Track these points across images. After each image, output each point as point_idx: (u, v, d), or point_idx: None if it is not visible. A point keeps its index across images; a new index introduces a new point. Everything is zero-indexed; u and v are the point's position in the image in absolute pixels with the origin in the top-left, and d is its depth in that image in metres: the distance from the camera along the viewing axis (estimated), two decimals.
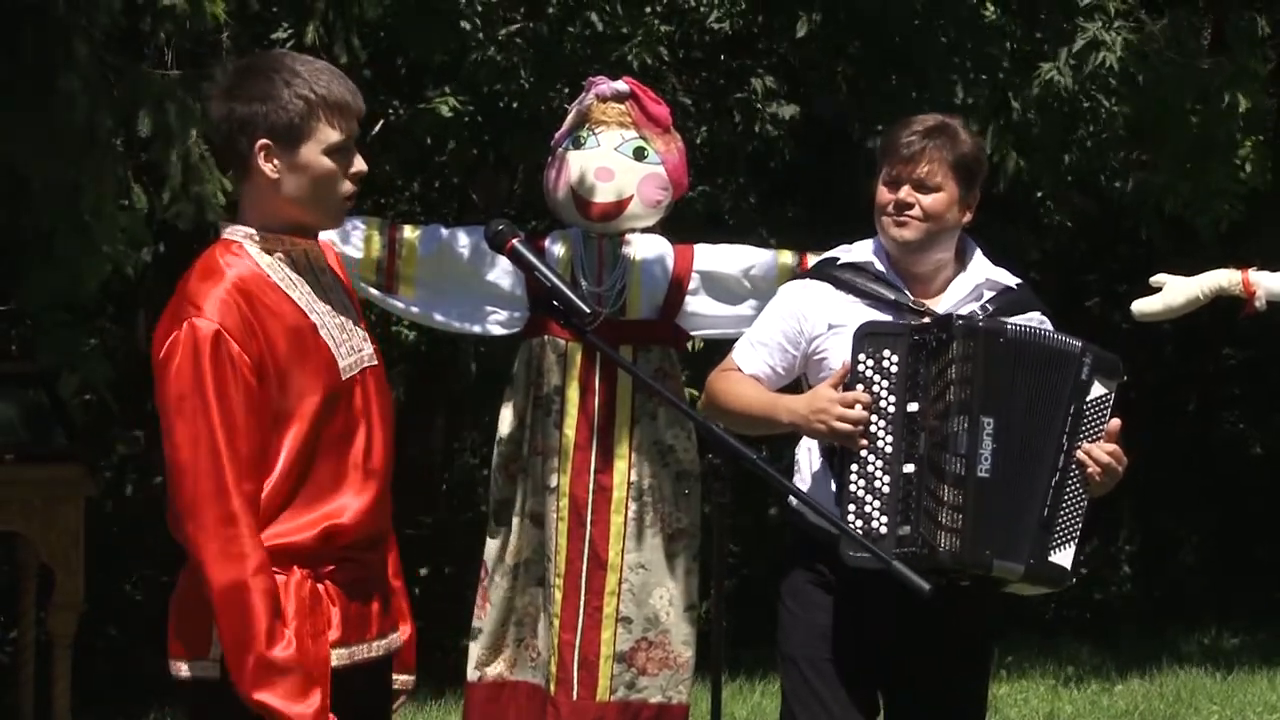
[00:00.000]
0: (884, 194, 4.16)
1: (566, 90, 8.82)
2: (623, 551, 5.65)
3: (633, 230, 5.75)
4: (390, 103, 9.80)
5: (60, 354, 6.57)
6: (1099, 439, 3.97)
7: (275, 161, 3.23)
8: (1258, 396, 14.17)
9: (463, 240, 5.78)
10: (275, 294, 3.23)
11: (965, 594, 3.98)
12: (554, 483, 5.64)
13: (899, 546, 3.85)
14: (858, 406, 3.94)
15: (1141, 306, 4.85)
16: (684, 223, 8.46)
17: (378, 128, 9.50)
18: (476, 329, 5.82)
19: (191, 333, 3.14)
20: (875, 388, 3.96)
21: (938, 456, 3.91)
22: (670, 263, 5.73)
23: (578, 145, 5.75)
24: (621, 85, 5.81)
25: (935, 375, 3.93)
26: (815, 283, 4.25)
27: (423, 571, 10.88)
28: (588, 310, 3.51)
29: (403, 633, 3.48)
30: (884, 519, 3.92)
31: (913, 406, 3.94)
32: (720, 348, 4.83)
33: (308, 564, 3.20)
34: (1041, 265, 11.81)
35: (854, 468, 3.96)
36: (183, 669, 3.24)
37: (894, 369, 3.96)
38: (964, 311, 4.13)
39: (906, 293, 4.16)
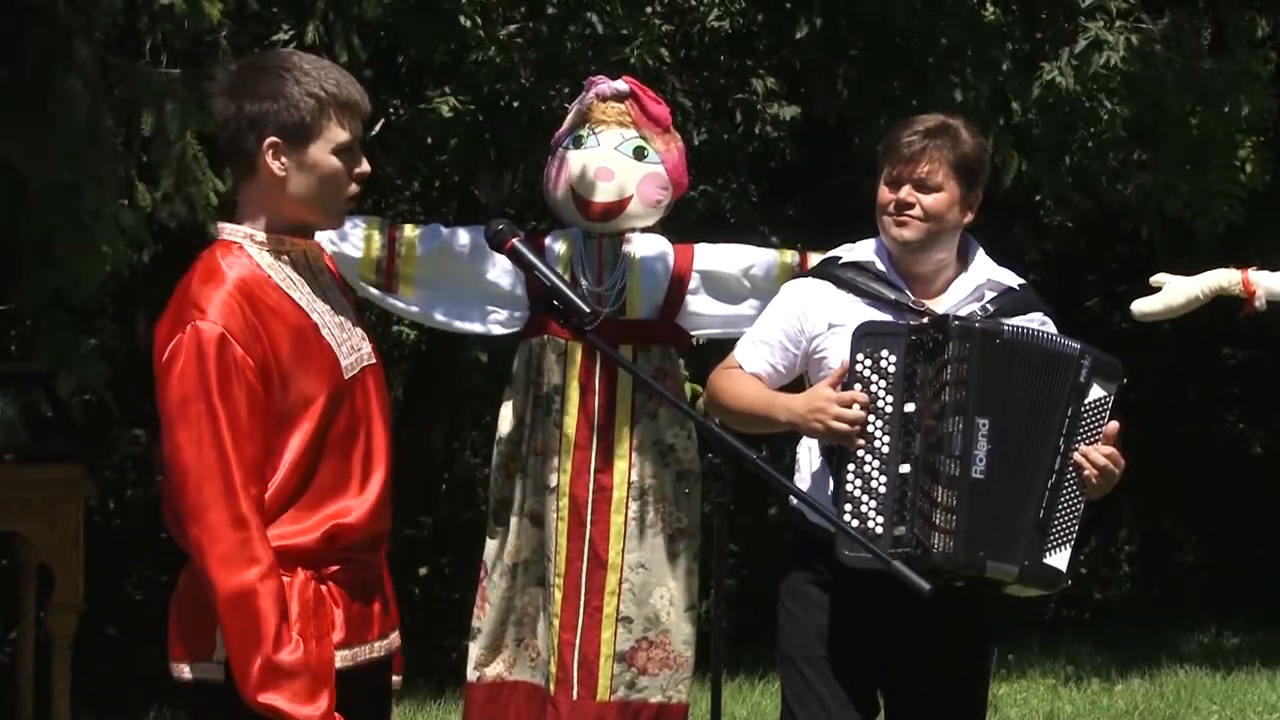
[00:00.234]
0: (885, 194, 4.17)
1: (566, 90, 8.81)
2: (623, 551, 5.65)
3: (633, 230, 5.75)
4: (390, 103, 9.80)
5: (57, 355, 6.56)
6: (1097, 441, 3.97)
7: (283, 160, 3.22)
8: (1258, 396, 14.18)
9: (462, 240, 5.78)
10: (277, 295, 3.22)
11: (964, 594, 3.98)
12: (554, 482, 5.64)
13: (894, 547, 3.85)
14: (855, 406, 3.94)
15: (1141, 306, 4.85)
16: (684, 222, 8.46)
17: (378, 127, 9.50)
18: (476, 328, 5.82)
19: (195, 336, 3.13)
20: (873, 387, 3.97)
21: (933, 457, 3.91)
22: (670, 262, 5.73)
23: (578, 145, 5.75)
24: (621, 85, 5.81)
25: (932, 376, 3.93)
26: (817, 282, 4.25)
27: (422, 571, 10.89)
28: (587, 310, 3.51)
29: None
30: (880, 519, 3.92)
31: (910, 407, 3.94)
32: (721, 347, 4.83)
33: (311, 565, 3.20)
34: (1041, 265, 11.82)
35: (851, 467, 3.96)
36: (185, 671, 3.23)
37: (891, 369, 3.96)
38: (965, 312, 4.14)
39: (907, 292, 4.16)
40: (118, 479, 10.57)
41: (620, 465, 5.66)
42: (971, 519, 3.87)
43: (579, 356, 5.65)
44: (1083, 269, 13.57)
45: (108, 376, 6.78)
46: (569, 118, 5.86)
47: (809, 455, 4.20)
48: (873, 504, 3.93)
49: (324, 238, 3.48)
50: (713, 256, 5.79)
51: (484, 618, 5.70)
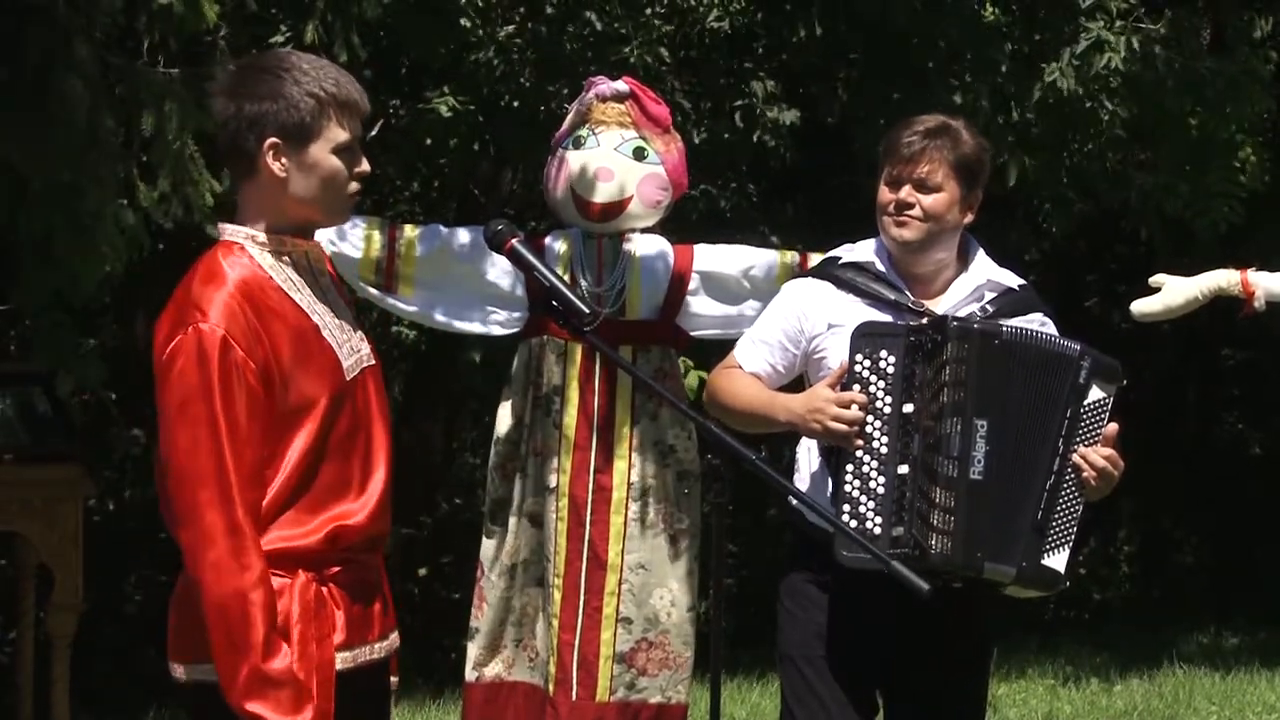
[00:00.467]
0: (885, 194, 4.17)
1: (566, 90, 8.81)
2: (622, 552, 5.65)
3: (632, 230, 5.74)
4: (390, 103, 9.80)
5: (56, 355, 6.56)
6: (1096, 443, 3.96)
7: (284, 160, 3.22)
8: (1257, 397, 14.18)
9: (462, 240, 5.78)
10: (278, 296, 3.22)
11: (963, 595, 3.98)
12: (553, 483, 5.64)
13: (892, 548, 3.85)
14: (854, 407, 3.94)
15: (1141, 307, 4.85)
16: (684, 223, 8.46)
17: (377, 128, 9.50)
18: (476, 329, 5.81)
19: (196, 338, 3.12)
20: (871, 388, 3.96)
21: (931, 458, 3.90)
22: (670, 263, 5.73)
23: (577, 145, 5.75)
24: (621, 85, 5.81)
25: (931, 376, 3.93)
26: (816, 282, 4.25)
27: (422, 571, 10.89)
28: (587, 310, 3.51)
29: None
30: (878, 520, 3.92)
31: (908, 407, 3.94)
32: (721, 346, 4.84)
33: (313, 567, 3.20)
34: (1041, 265, 11.83)
35: (849, 468, 3.96)
36: (184, 671, 3.23)
37: (890, 369, 3.96)
38: (964, 312, 4.14)
39: (907, 293, 4.16)
40: (117, 479, 10.57)
41: (620, 465, 5.66)
42: (969, 520, 3.87)
43: (579, 357, 5.65)
44: (1082, 269, 13.57)
45: (106, 377, 6.78)
46: (569, 118, 5.86)
47: (808, 455, 4.20)
48: (871, 505, 3.93)
49: (323, 238, 3.48)
50: (712, 257, 5.79)
51: (482, 618, 5.70)
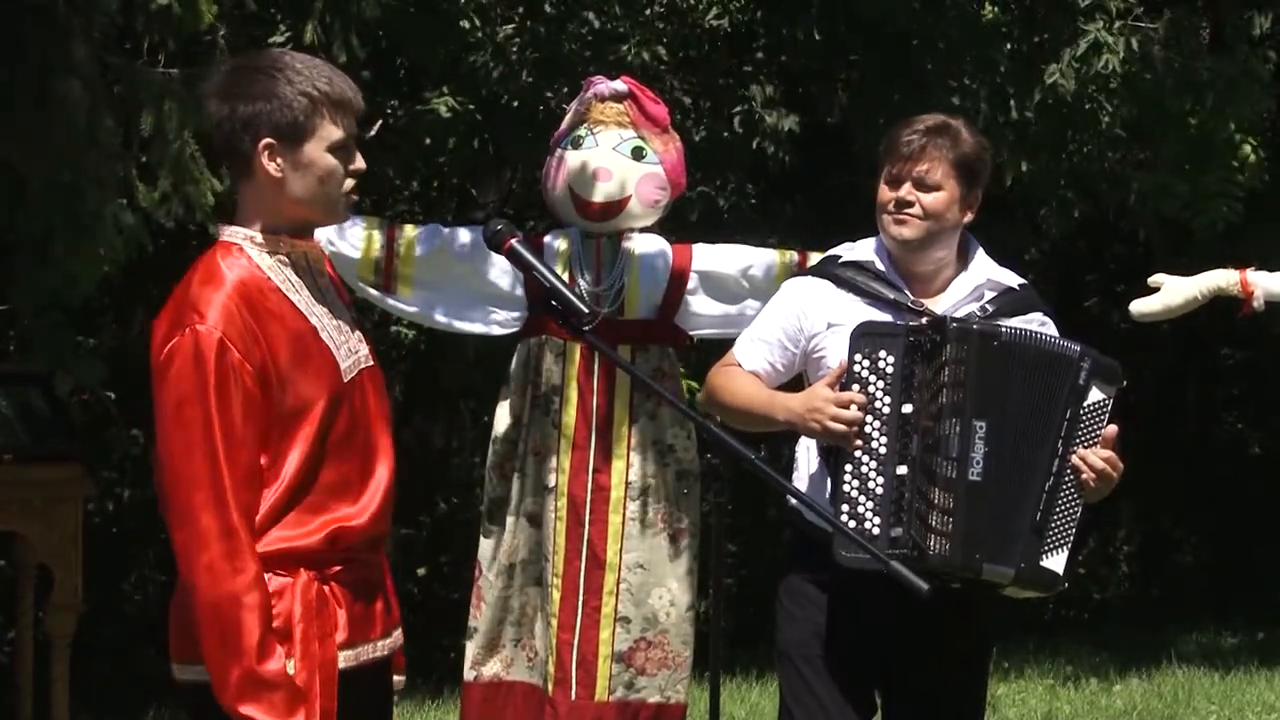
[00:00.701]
0: (885, 192, 4.17)
1: (565, 90, 8.81)
2: (621, 551, 5.65)
3: (631, 230, 5.75)
4: (389, 103, 9.80)
5: (54, 355, 6.56)
6: (1095, 444, 3.96)
7: (279, 160, 3.21)
8: (1257, 397, 14.18)
9: (461, 240, 5.78)
10: (276, 298, 3.21)
11: (963, 595, 3.98)
12: (552, 482, 5.64)
13: (891, 548, 3.84)
14: (853, 407, 3.94)
15: (1140, 307, 4.85)
16: (683, 222, 8.46)
17: (376, 128, 9.50)
18: (475, 328, 5.82)
19: (193, 339, 3.12)
20: (870, 388, 3.96)
21: (930, 459, 3.90)
22: (669, 262, 5.73)
23: (576, 145, 5.75)
24: (620, 85, 5.81)
25: (930, 377, 3.93)
26: (816, 280, 4.25)
27: (421, 571, 10.89)
28: (586, 310, 3.51)
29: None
30: (876, 520, 3.92)
31: (907, 408, 3.94)
32: (720, 347, 4.83)
33: (314, 566, 3.19)
34: (1040, 265, 11.82)
35: (848, 468, 3.96)
36: (185, 673, 3.22)
37: (889, 369, 3.96)
38: (963, 312, 4.13)
39: (906, 292, 4.16)
40: (117, 479, 10.56)
41: (618, 465, 5.66)
42: (968, 522, 3.87)
43: (578, 356, 5.65)
44: (1081, 269, 13.57)
45: (104, 377, 6.78)
46: (567, 118, 5.86)
47: (807, 455, 4.20)
48: (870, 505, 3.93)
49: (322, 238, 3.48)
50: (711, 257, 5.79)
51: (480, 617, 5.70)
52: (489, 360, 9.39)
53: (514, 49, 9.02)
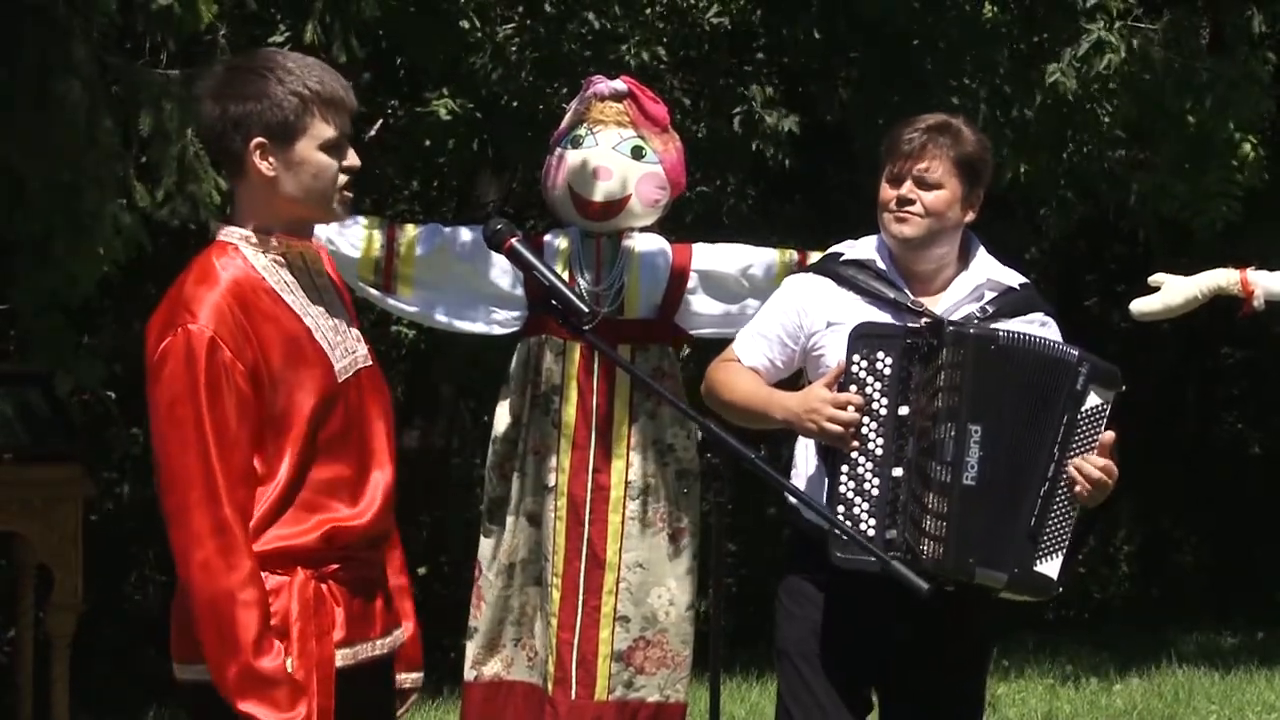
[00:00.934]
0: (886, 191, 4.16)
1: (565, 90, 8.81)
2: (620, 550, 5.65)
3: (631, 229, 5.75)
4: (389, 104, 9.80)
5: (53, 355, 6.56)
6: (1092, 449, 3.94)
7: (271, 159, 3.22)
8: (1257, 396, 14.19)
9: (461, 239, 5.78)
10: (270, 298, 3.22)
11: (960, 596, 3.97)
12: (552, 482, 5.64)
13: (885, 550, 3.84)
14: (850, 408, 3.93)
15: (1140, 306, 4.85)
16: (682, 222, 8.46)
17: (375, 128, 9.50)
18: (475, 328, 5.81)
19: (185, 339, 3.13)
20: (868, 389, 3.96)
21: (924, 463, 3.90)
22: (669, 262, 5.73)
23: (576, 144, 5.75)
24: (620, 84, 5.81)
25: (927, 380, 3.93)
26: (817, 278, 4.25)
27: (422, 571, 10.89)
28: (586, 309, 3.51)
29: (406, 630, 3.47)
30: (871, 521, 3.91)
31: (904, 410, 3.93)
32: (719, 347, 4.83)
33: (311, 565, 3.20)
34: (1041, 265, 11.82)
35: (845, 469, 3.95)
36: (185, 672, 3.23)
37: (887, 371, 3.95)
38: (963, 311, 4.13)
39: (906, 291, 4.15)
40: (117, 479, 10.57)
41: (618, 464, 5.66)
42: (961, 526, 3.86)
43: (578, 356, 5.65)
44: (1082, 269, 13.57)
45: (104, 377, 6.77)
46: (567, 117, 5.86)
47: (805, 455, 4.20)
48: (865, 506, 3.93)
49: (322, 237, 3.48)
50: (711, 256, 5.79)
51: (480, 617, 5.70)
52: (489, 360, 9.39)
53: (514, 49, 9.02)
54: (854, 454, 3.94)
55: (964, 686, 4.23)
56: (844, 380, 3.98)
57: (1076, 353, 3.95)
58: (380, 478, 3.31)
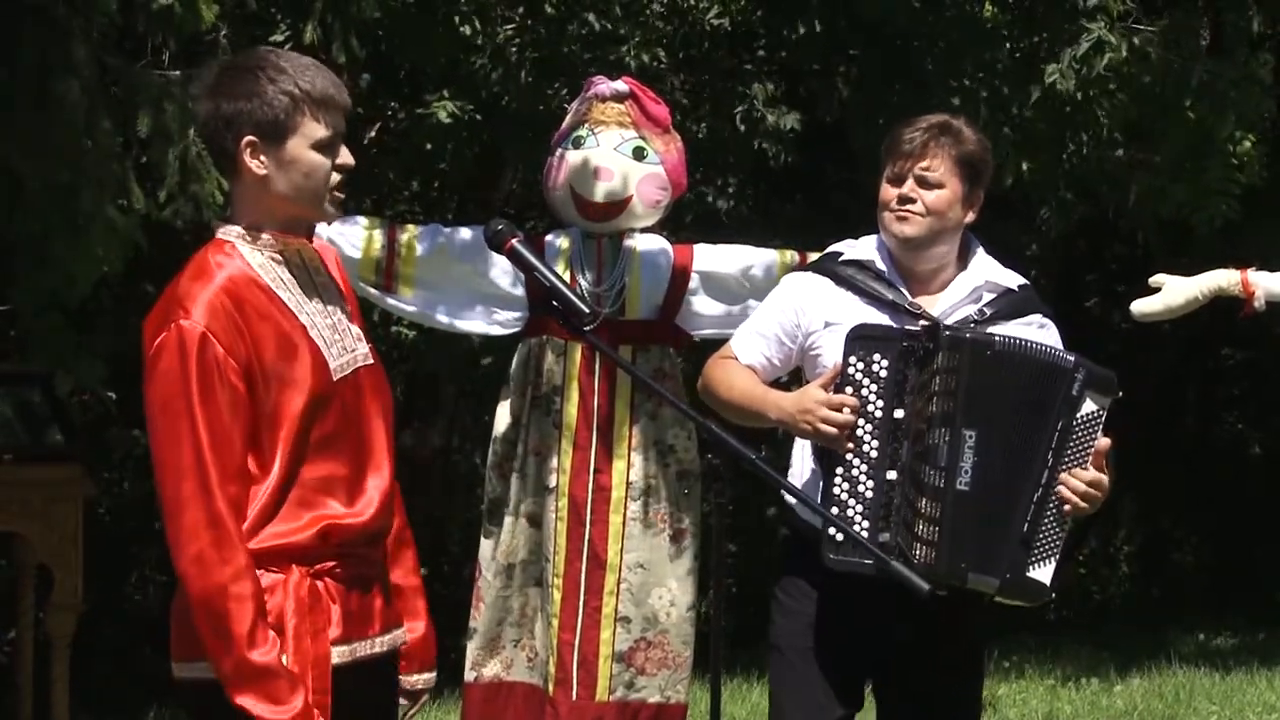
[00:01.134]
0: (887, 191, 4.16)
1: (565, 90, 8.81)
2: (621, 551, 5.65)
3: (632, 230, 5.74)
4: (389, 106, 9.79)
5: (52, 355, 6.56)
6: (1088, 456, 3.94)
7: (262, 158, 3.23)
8: (1257, 397, 14.20)
9: (462, 240, 5.78)
10: (265, 295, 3.23)
11: (954, 598, 3.96)
12: (553, 482, 5.64)
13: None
14: (845, 410, 3.93)
15: (1141, 307, 4.84)
16: (683, 222, 8.46)
17: (374, 130, 9.49)
18: (476, 329, 5.82)
19: (178, 335, 3.15)
20: (864, 391, 3.95)
21: (918, 467, 3.89)
22: (670, 262, 5.73)
23: (577, 145, 5.75)
24: (621, 85, 5.81)
25: (922, 384, 3.92)
26: (816, 277, 4.24)
27: (422, 571, 10.88)
28: (587, 310, 3.51)
29: (415, 629, 3.48)
30: (865, 524, 3.91)
31: (899, 413, 3.92)
32: (716, 347, 4.83)
33: (306, 562, 3.21)
34: (1041, 265, 11.82)
35: (839, 471, 3.95)
36: (183, 670, 3.24)
37: (884, 374, 3.94)
38: (961, 313, 4.12)
39: (905, 292, 4.14)
40: (117, 479, 10.57)
41: (619, 465, 5.66)
42: (954, 531, 3.86)
43: (579, 356, 5.65)
44: (1082, 269, 13.57)
45: (104, 377, 6.77)
46: (568, 118, 5.86)
47: (802, 456, 4.19)
48: (859, 509, 3.92)
49: (323, 236, 3.48)
50: (712, 257, 5.79)
51: (479, 618, 5.70)
52: (489, 360, 9.39)
53: (514, 50, 9.01)
54: (848, 456, 3.94)
55: (960, 688, 4.22)
56: (840, 382, 3.97)
57: (1073, 359, 3.94)
58: (379, 477, 3.32)
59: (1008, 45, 9.30)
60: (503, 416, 5.73)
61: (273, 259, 3.27)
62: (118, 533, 10.21)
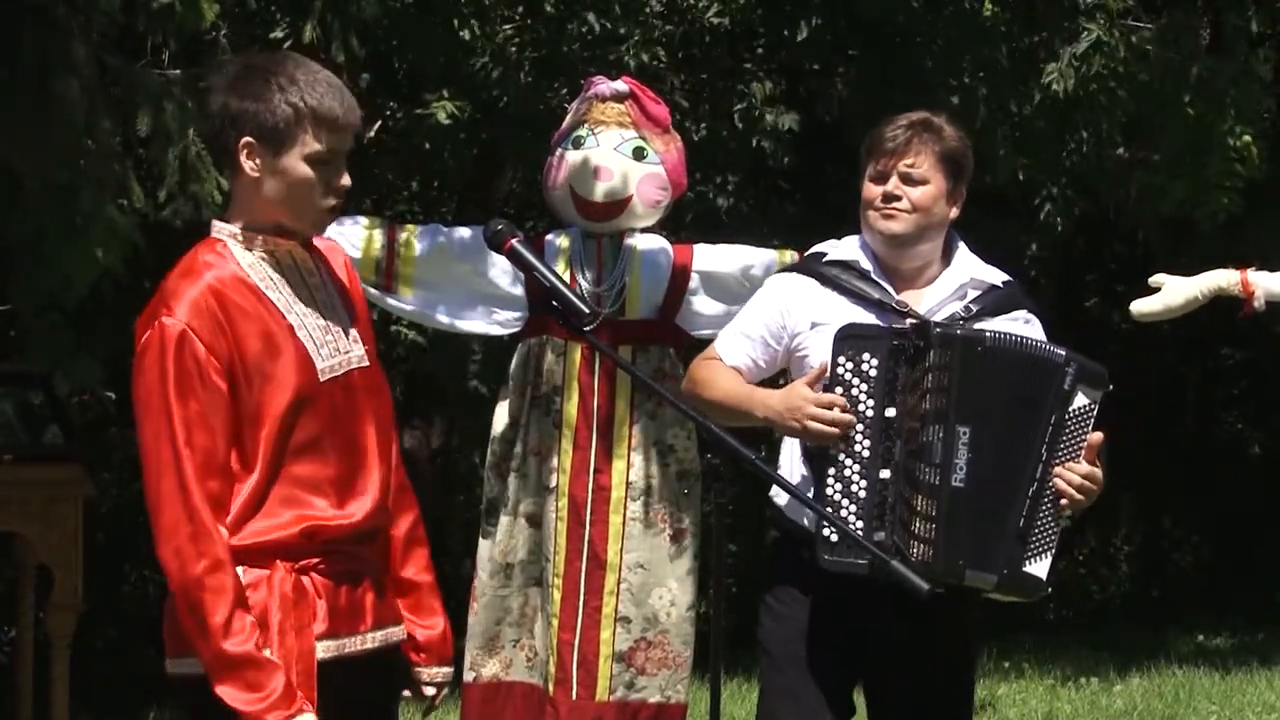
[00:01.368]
0: (871, 189, 4.14)
1: (565, 90, 8.81)
2: (622, 551, 5.64)
3: (632, 230, 5.74)
4: (388, 106, 9.79)
5: (51, 355, 6.55)
6: (1080, 449, 3.93)
7: (257, 161, 3.25)
8: (1257, 396, 14.20)
9: (462, 240, 5.78)
10: (253, 294, 3.24)
11: (948, 598, 3.96)
12: (553, 483, 5.64)
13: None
14: (835, 409, 3.92)
15: (1140, 307, 4.84)
16: (683, 222, 8.46)
17: (374, 129, 9.49)
18: (476, 328, 5.82)
19: (160, 332, 3.18)
20: (854, 390, 3.93)
21: (913, 465, 3.88)
22: (669, 262, 5.73)
23: (577, 145, 5.75)
24: (621, 85, 5.81)
25: (913, 382, 3.91)
26: (801, 277, 4.22)
27: None
28: (586, 310, 3.52)
29: (432, 625, 3.52)
30: (860, 524, 3.90)
31: (890, 412, 3.91)
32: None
33: (290, 558, 3.23)
34: (1040, 265, 11.83)
35: (831, 471, 3.93)
36: (177, 666, 3.26)
37: (873, 373, 3.93)
38: (947, 309, 4.11)
39: (890, 291, 4.13)
40: (117, 479, 10.57)
41: (619, 465, 5.66)
42: (950, 528, 3.85)
43: (579, 356, 5.64)
44: (1081, 269, 13.58)
45: (100, 377, 6.77)
46: (568, 118, 5.86)
47: (791, 456, 4.17)
48: (853, 508, 3.91)
49: (327, 242, 3.48)
50: (712, 257, 5.79)
51: (475, 618, 5.70)
52: (489, 360, 9.39)
53: (513, 50, 9.02)
54: (840, 456, 3.93)
55: (953, 688, 4.21)
56: (829, 382, 3.95)
57: (1064, 353, 3.93)
58: (371, 477, 3.32)
59: (1007, 44, 9.30)
60: (501, 417, 5.73)
61: (263, 258, 3.29)
62: (118, 533, 10.21)
